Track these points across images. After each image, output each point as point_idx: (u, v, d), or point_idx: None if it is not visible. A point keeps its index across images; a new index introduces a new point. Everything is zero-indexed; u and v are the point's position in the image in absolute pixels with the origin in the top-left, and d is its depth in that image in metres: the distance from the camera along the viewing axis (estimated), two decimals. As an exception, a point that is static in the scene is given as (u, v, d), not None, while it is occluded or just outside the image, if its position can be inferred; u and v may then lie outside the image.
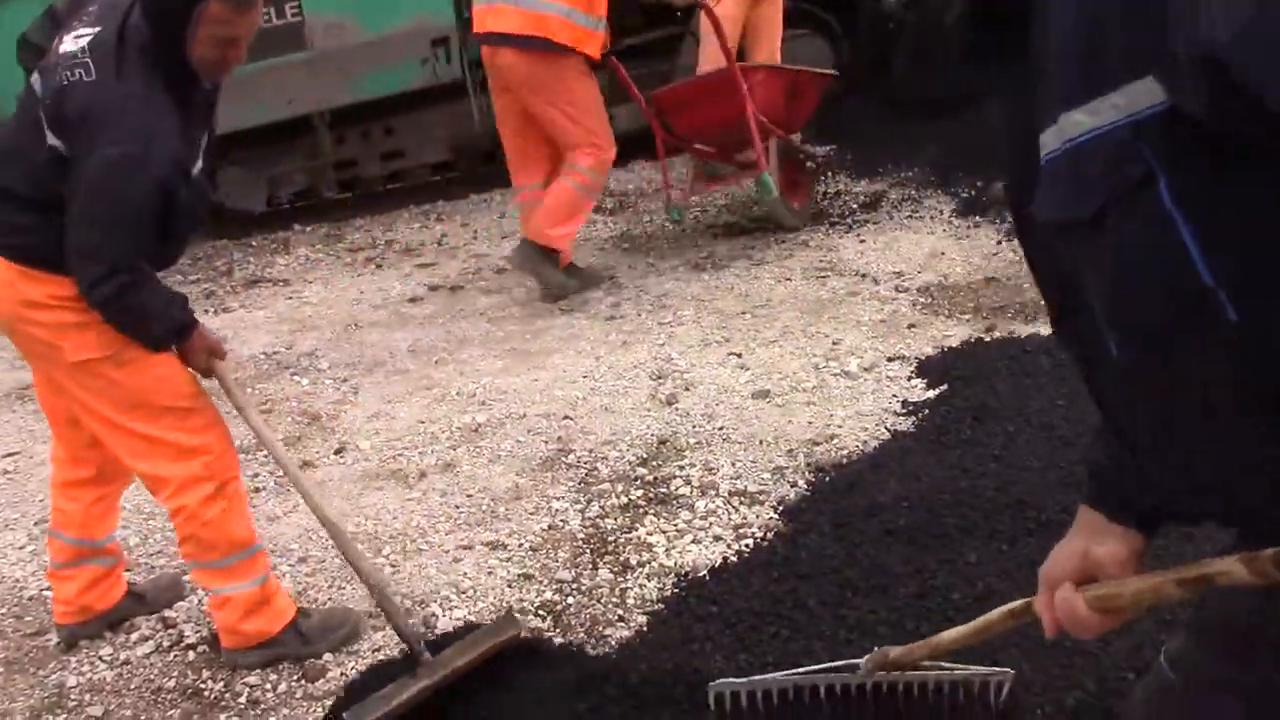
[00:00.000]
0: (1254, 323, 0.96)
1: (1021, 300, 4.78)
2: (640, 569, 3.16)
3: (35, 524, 3.74)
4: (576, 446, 3.90)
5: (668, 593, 3.02)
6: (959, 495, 3.18)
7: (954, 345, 4.37)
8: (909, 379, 4.15)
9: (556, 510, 3.51)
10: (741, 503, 3.43)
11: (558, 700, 2.55)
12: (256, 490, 3.82)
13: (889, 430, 3.78)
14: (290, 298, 5.84)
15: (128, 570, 3.23)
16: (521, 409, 4.25)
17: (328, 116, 6.69)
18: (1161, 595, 1.18)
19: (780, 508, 3.36)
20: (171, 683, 2.89)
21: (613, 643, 2.84)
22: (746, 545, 3.18)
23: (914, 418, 3.83)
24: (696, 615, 2.86)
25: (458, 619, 3.02)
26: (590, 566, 3.20)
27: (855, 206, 6.30)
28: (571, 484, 3.66)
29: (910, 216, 6.08)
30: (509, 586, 3.15)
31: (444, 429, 4.14)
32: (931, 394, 3.99)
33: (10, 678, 2.97)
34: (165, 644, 3.05)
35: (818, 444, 3.74)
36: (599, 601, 3.03)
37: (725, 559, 3.12)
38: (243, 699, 2.80)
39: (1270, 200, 0.93)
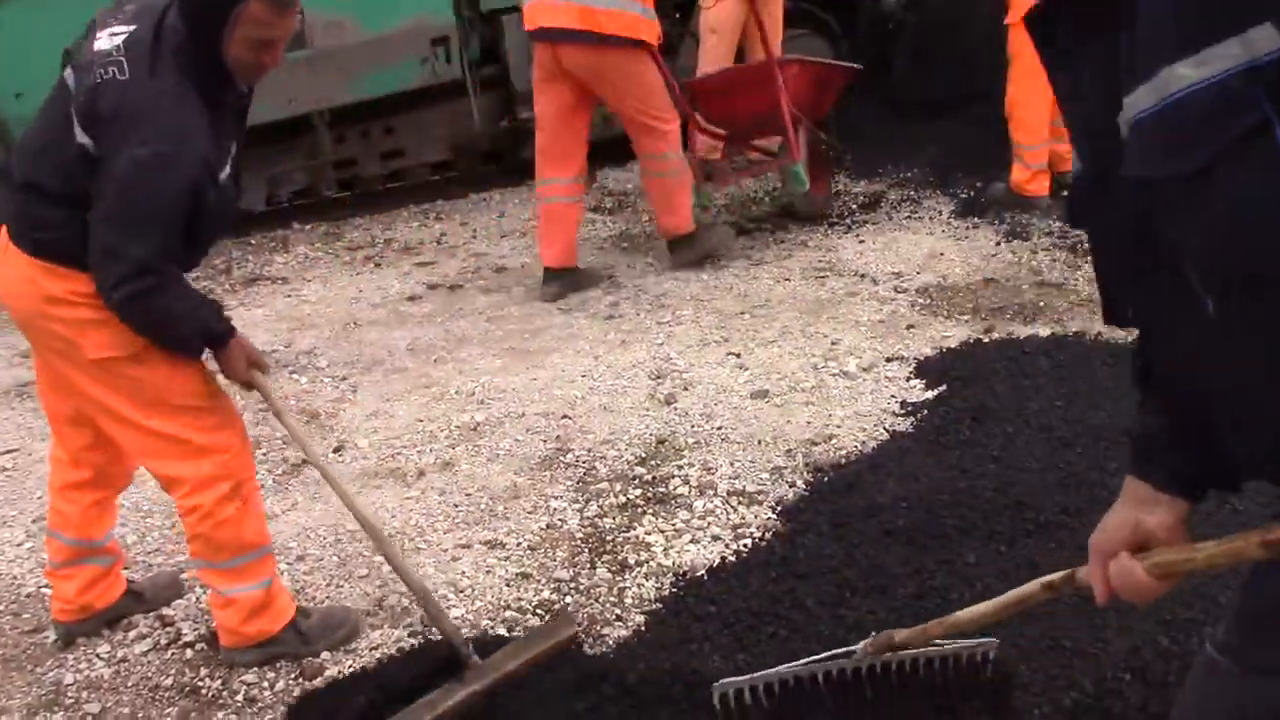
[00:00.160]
0: None
1: (1020, 301, 4.78)
2: (638, 568, 3.16)
3: (33, 521, 3.74)
4: (575, 446, 3.90)
5: (666, 592, 3.02)
6: (957, 496, 3.18)
7: (953, 346, 4.38)
8: (908, 379, 4.16)
9: (555, 509, 3.51)
10: (740, 502, 3.43)
11: (556, 700, 2.55)
12: (255, 488, 3.82)
13: (887, 431, 3.78)
14: (289, 296, 5.84)
15: (125, 568, 3.22)
16: (520, 408, 4.25)
17: (327, 115, 6.68)
18: (1243, 556, 1.22)
19: (778, 508, 3.36)
20: (169, 680, 2.89)
21: (611, 642, 2.84)
22: (745, 545, 3.18)
23: (912, 418, 3.84)
24: (694, 615, 2.86)
25: (455, 617, 3.01)
26: (588, 566, 3.20)
27: (854, 207, 6.31)
28: (570, 483, 3.66)
29: (909, 217, 6.08)
30: (507, 585, 3.15)
31: (442, 428, 4.14)
32: (930, 395, 4.00)
33: (8, 675, 2.97)
34: (163, 642, 3.04)
35: (816, 444, 3.74)
36: (597, 601, 3.03)
37: (723, 559, 3.12)
38: (240, 697, 2.80)
39: None
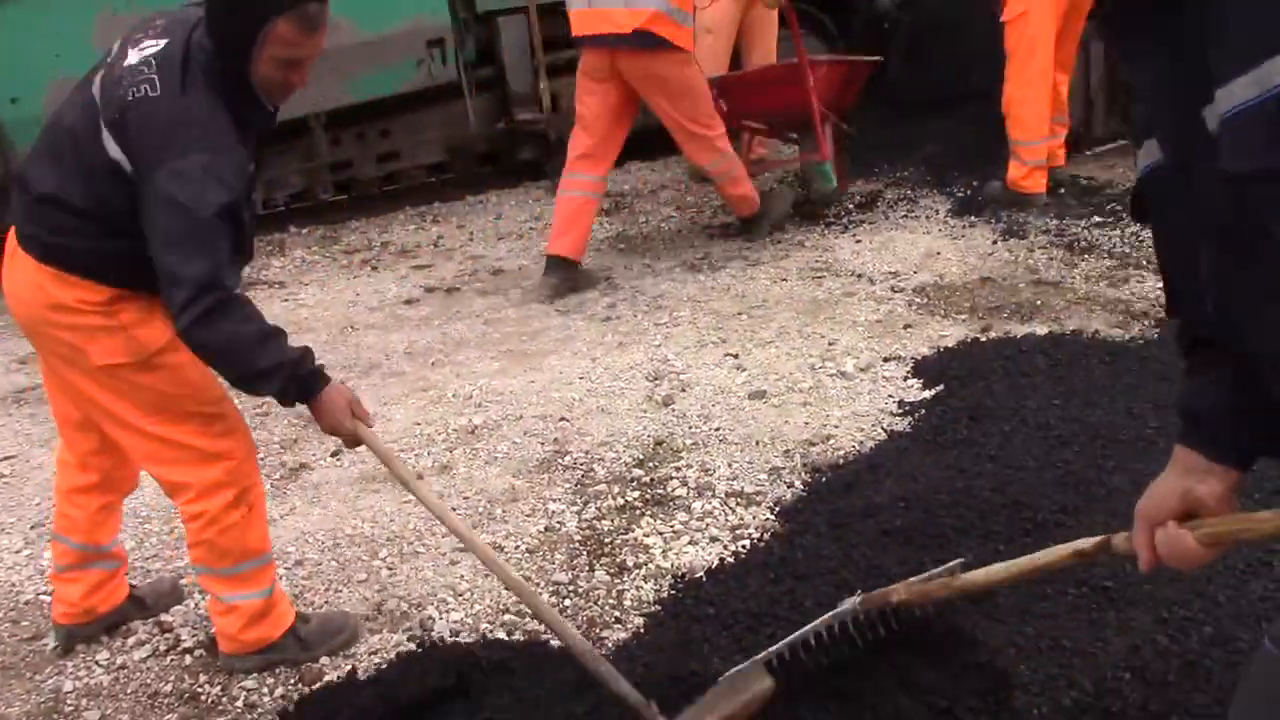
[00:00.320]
0: None
1: (1017, 300, 4.78)
2: (637, 570, 3.16)
3: (31, 528, 3.73)
4: (573, 448, 3.90)
5: (665, 594, 3.02)
6: (955, 496, 3.18)
7: (950, 345, 4.38)
8: (905, 379, 4.16)
9: (553, 512, 3.51)
10: (738, 504, 3.43)
11: (555, 702, 2.54)
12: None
13: (885, 431, 3.78)
14: (286, 300, 5.84)
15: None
16: (518, 410, 4.24)
17: (323, 118, 6.68)
18: None
19: (777, 508, 3.36)
20: (168, 687, 2.89)
21: (610, 644, 2.84)
22: (743, 546, 3.18)
23: (910, 418, 3.84)
24: (693, 616, 2.86)
25: (455, 621, 3.01)
26: (587, 568, 3.20)
27: (851, 206, 6.32)
28: (568, 486, 3.66)
29: (906, 216, 6.08)
30: (506, 589, 3.14)
31: (440, 431, 4.14)
32: (927, 394, 4.00)
33: (6, 683, 2.96)
34: (162, 648, 3.04)
35: (814, 445, 3.74)
36: (596, 603, 3.02)
37: (722, 560, 3.12)
38: (240, 703, 2.80)
39: None
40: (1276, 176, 1.05)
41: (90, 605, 3.03)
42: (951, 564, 2.38)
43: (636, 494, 3.55)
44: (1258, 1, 1.03)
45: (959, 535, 3.01)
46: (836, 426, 3.86)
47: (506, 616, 3.01)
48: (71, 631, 3.05)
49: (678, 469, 3.67)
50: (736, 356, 4.52)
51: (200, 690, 2.86)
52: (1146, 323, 4.41)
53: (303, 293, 5.93)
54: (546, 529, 3.42)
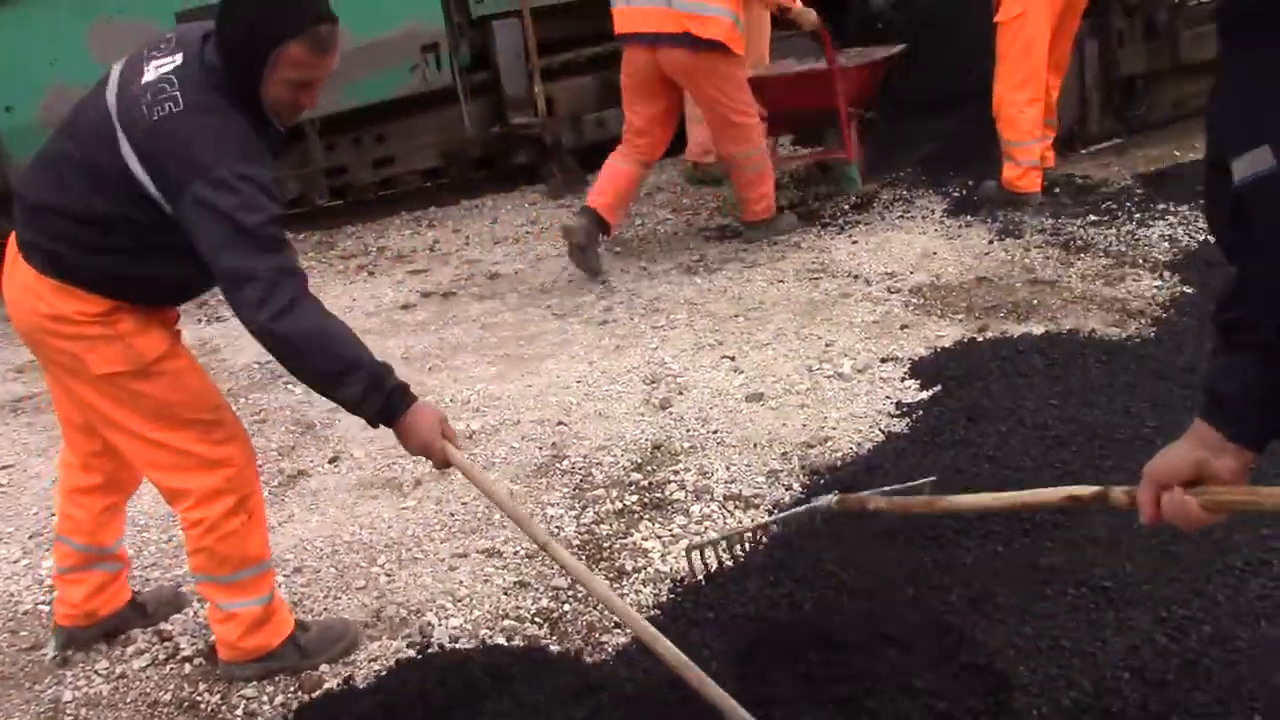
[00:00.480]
0: None
1: (1013, 300, 4.79)
2: (636, 575, 3.16)
3: (29, 538, 3.73)
4: (571, 452, 3.90)
5: (664, 598, 3.02)
6: (954, 496, 3.18)
7: (947, 346, 4.38)
8: (902, 380, 4.16)
9: (551, 517, 3.51)
10: (736, 506, 3.43)
11: (555, 708, 2.54)
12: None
13: (883, 432, 3.78)
14: (283, 306, 5.83)
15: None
16: (515, 415, 4.24)
17: (318, 124, 6.68)
18: None
19: (775, 511, 3.36)
20: (168, 696, 2.88)
21: (610, 649, 2.84)
22: (742, 550, 3.17)
23: (908, 419, 3.84)
24: (692, 620, 2.86)
25: (454, 627, 3.01)
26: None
27: (846, 207, 6.32)
28: (566, 490, 3.66)
29: (902, 217, 6.09)
30: (505, 594, 3.14)
31: (438, 436, 4.13)
32: (925, 395, 4.00)
33: (5, 693, 2.96)
34: (161, 657, 3.04)
35: (812, 446, 3.74)
36: (595, 608, 3.02)
37: (721, 563, 3.11)
38: (239, 711, 2.80)
39: None
40: None
41: (92, 608, 3.03)
42: (921, 482, 2.44)
43: (635, 498, 3.55)
44: None
45: (958, 536, 3.01)
46: (834, 428, 3.86)
47: (506, 622, 3.01)
48: (72, 634, 3.05)
49: (676, 472, 3.67)
50: (733, 359, 4.52)
51: (200, 699, 2.86)
52: (1143, 321, 4.42)
53: (299, 299, 5.91)
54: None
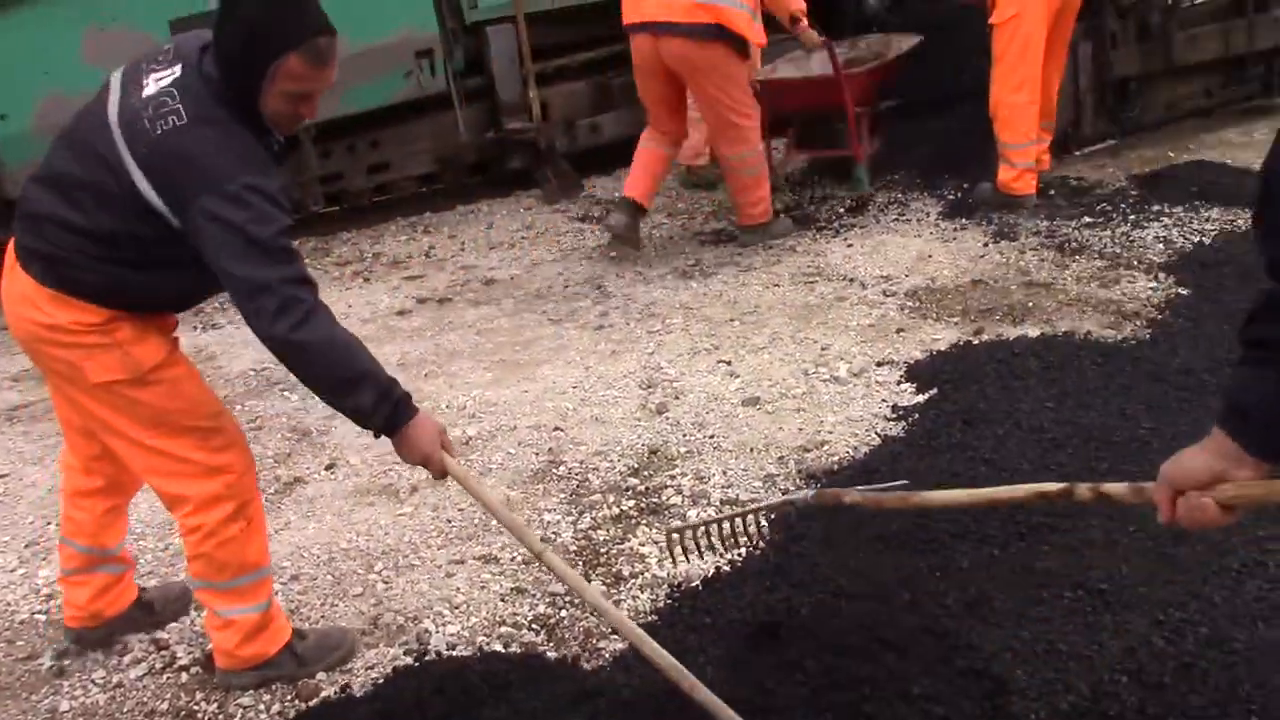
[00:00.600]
0: None
1: (1009, 302, 4.79)
2: (633, 580, 3.15)
3: (26, 546, 3.72)
4: (567, 458, 3.90)
5: (661, 604, 3.02)
6: (950, 500, 3.18)
7: (942, 349, 4.39)
8: (898, 383, 4.16)
9: (548, 522, 3.51)
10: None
11: (552, 714, 2.54)
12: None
13: (879, 435, 3.78)
14: (278, 313, 5.82)
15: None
16: (512, 421, 4.24)
17: (313, 130, 6.67)
18: None
19: (772, 516, 3.36)
20: (165, 705, 2.88)
21: (607, 655, 2.84)
22: (739, 554, 3.17)
23: (904, 422, 3.84)
24: (690, 626, 2.86)
25: (451, 634, 3.01)
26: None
27: (842, 210, 6.33)
28: (563, 496, 3.66)
29: (897, 220, 6.09)
30: (502, 601, 3.14)
31: (434, 443, 4.13)
32: (921, 398, 4.00)
33: (2, 704, 2.95)
34: (158, 666, 3.03)
35: (808, 450, 3.74)
36: (592, 615, 3.02)
37: (718, 569, 3.11)
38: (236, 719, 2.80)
39: None
40: None
41: (97, 609, 3.04)
42: (895, 484, 2.48)
43: (631, 503, 3.55)
44: None
45: (954, 540, 3.01)
46: (830, 432, 3.86)
47: (503, 629, 3.01)
48: (80, 635, 3.07)
49: (672, 477, 3.67)
50: (729, 363, 4.52)
51: (197, 708, 2.85)
52: (1138, 323, 4.42)
53: (295, 305, 5.91)
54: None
